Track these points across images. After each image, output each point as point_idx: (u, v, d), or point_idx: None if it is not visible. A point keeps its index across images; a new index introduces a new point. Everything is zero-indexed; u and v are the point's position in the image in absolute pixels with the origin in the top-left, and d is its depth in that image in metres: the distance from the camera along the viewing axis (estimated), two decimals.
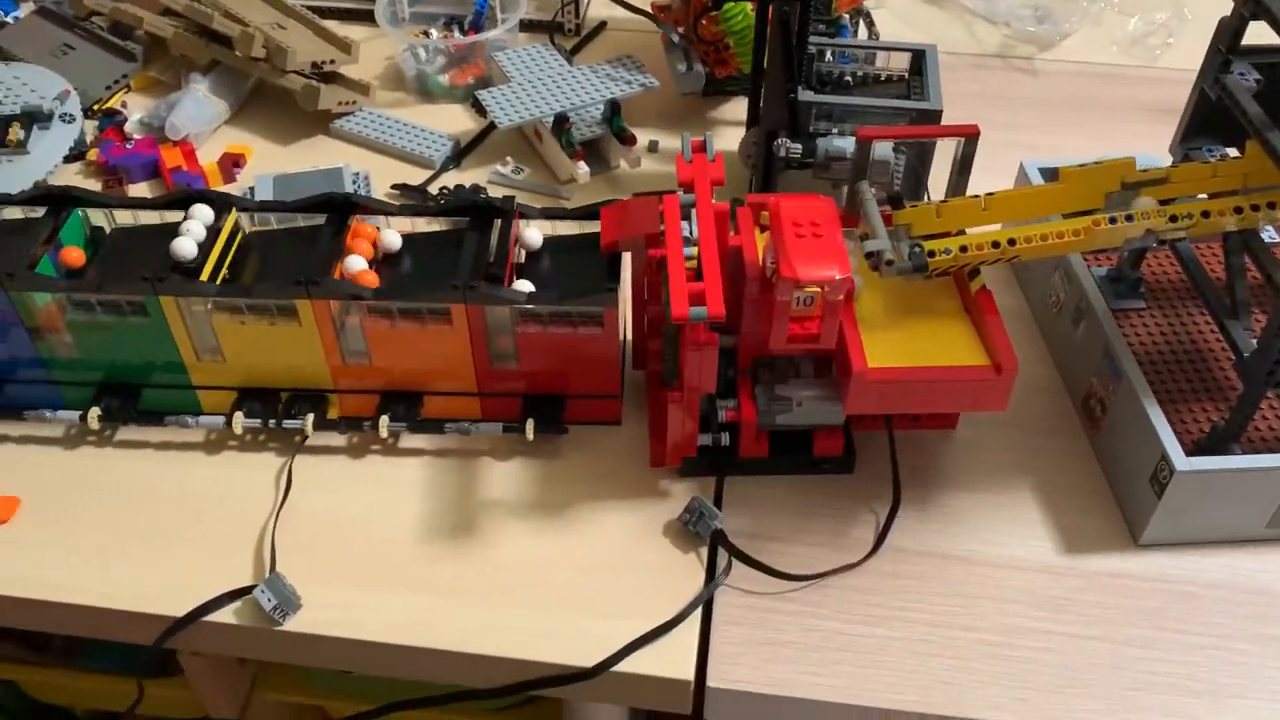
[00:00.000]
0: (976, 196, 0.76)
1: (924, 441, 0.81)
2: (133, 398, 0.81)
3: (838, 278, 0.64)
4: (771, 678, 0.68)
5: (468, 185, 1.03)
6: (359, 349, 0.78)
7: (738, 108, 1.14)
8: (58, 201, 0.81)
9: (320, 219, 0.80)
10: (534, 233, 0.80)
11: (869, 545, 0.75)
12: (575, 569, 0.73)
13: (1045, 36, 1.24)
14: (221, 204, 0.80)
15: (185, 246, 0.75)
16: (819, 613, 0.71)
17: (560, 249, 0.83)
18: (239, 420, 0.79)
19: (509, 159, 1.06)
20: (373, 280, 0.76)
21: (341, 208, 0.80)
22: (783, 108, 0.89)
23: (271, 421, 0.79)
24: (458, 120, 1.13)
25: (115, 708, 1.22)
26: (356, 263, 0.77)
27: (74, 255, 0.79)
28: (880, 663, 0.69)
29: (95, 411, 0.79)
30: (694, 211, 0.71)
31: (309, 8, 1.16)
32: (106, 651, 1.19)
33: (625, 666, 0.68)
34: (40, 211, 0.81)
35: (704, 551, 0.74)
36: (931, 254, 0.71)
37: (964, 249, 0.72)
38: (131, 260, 0.79)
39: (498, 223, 0.80)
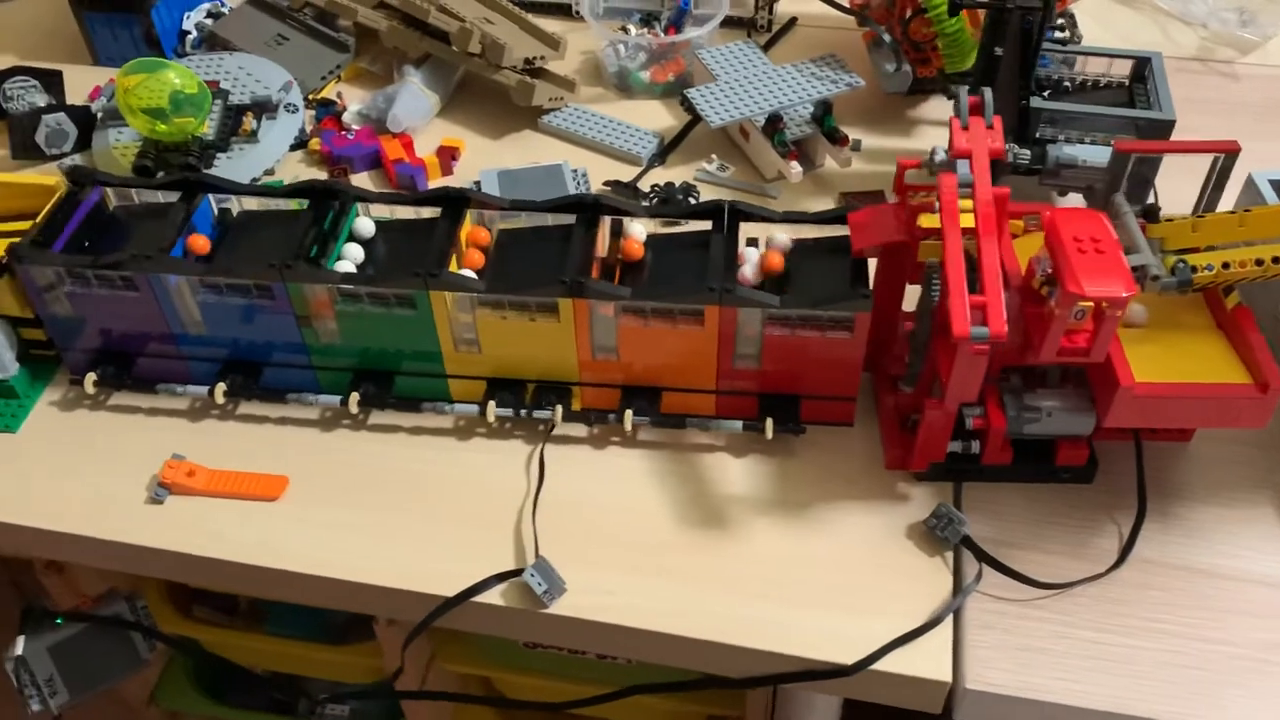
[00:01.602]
0: (1232, 212, 0.76)
1: (1158, 453, 0.82)
2: (387, 384, 0.84)
3: (1123, 295, 0.65)
4: (1027, 682, 0.69)
5: (676, 183, 1.05)
6: (608, 345, 0.81)
7: (937, 107, 1.14)
8: (318, 194, 0.85)
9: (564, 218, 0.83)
10: (783, 237, 0.81)
11: (1109, 554, 0.76)
12: (821, 567, 0.75)
13: (1248, 40, 1.22)
14: (475, 203, 0.83)
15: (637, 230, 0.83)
16: (1070, 620, 0.72)
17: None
18: (492, 409, 0.82)
19: (714, 156, 1.08)
20: (638, 250, 0.82)
21: (591, 209, 0.82)
22: (1013, 113, 0.90)
23: (522, 411, 0.82)
24: (657, 116, 1.15)
25: (292, 670, 1.28)
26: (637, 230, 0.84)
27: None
28: (1136, 673, 0.70)
29: (355, 396, 0.83)
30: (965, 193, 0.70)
31: (513, 1, 1.19)
32: (290, 618, 1.25)
33: (880, 665, 0.70)
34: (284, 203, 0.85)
35: (949, 556, 0.76)
36: (1194, 270, 0.72)
37: (1226, 265, 0.72)
38: (398, 254, 0.83)
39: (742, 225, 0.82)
